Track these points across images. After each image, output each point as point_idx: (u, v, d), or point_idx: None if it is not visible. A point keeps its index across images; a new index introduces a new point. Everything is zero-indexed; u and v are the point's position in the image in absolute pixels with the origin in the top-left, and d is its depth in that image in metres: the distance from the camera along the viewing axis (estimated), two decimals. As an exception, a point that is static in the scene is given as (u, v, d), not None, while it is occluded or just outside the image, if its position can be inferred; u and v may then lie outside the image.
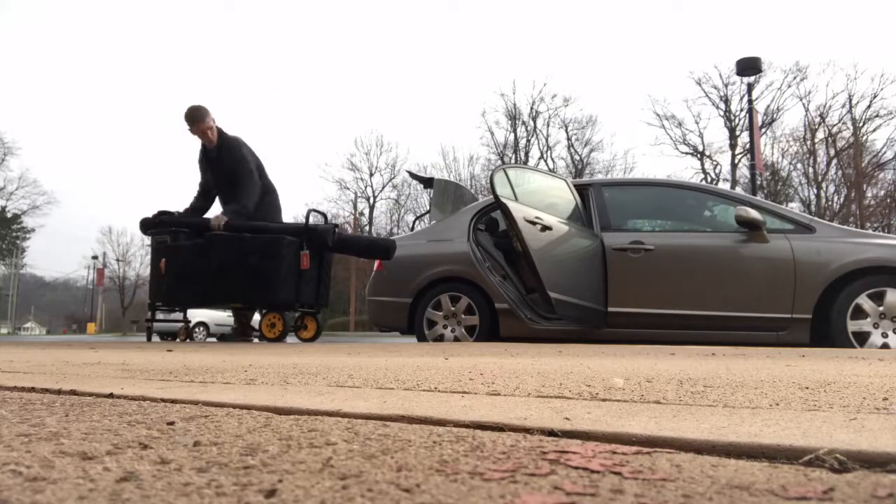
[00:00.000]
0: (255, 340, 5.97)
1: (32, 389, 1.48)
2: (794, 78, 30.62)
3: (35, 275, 66.47)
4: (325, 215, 6.08)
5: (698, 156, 33.09)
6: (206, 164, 5.75)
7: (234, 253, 5.22)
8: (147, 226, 5.71)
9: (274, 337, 5.86)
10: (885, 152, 29.81)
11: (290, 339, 6.13)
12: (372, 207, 39.19)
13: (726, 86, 31.59)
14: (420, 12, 78.15)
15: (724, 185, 30.50)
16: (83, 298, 58.53)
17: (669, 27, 63.26)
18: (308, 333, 5.84)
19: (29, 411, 1.10)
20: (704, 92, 32.23)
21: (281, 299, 5.34)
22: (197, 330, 16.76)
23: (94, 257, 54.12)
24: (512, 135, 36.46)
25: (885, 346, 4.08)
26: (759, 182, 20.57)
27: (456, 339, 5.10)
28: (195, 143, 5.71)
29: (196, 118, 5.49)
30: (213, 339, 16.72)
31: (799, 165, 32.70)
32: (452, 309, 5.15)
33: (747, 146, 25.12)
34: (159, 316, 5.96)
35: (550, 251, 4.61)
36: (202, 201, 5.90)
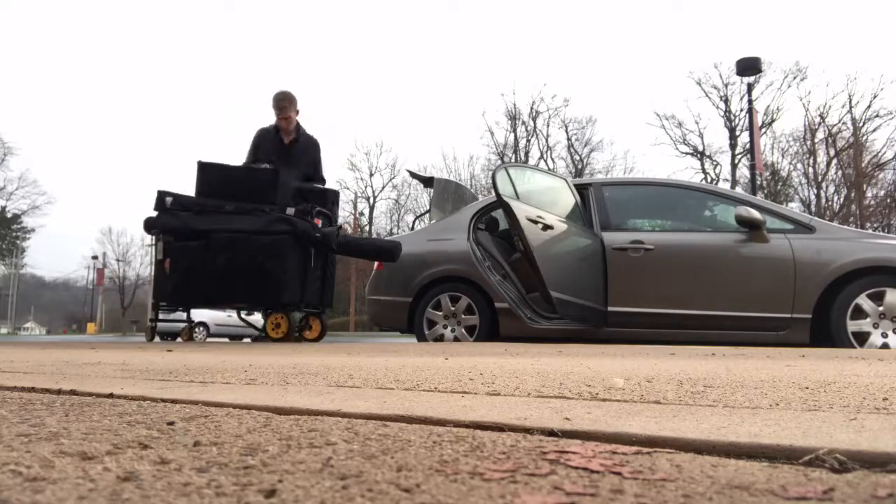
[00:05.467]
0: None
1: (32, 389, 1.48)
2: (794, 78, 30.65)
3: (35, 275, 66.53)
4: (329, 216, 6.04)
5: (698, 156, 33.09)
6: (272, 147, 5.71)
7: (240, 252, 5.22)
8: (151, 225, 5.68)
9: (279, 337, 5.85)
10: (885, 152, 29.82)
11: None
12: (372, 208, 39.20)
13: (726, 86, 31.61)
14: (420, 12, 78.15)
15: (724, 185, 30.49)
16: (83, 298, 58.55)
17: (669, 27, 63.27)
18: (313, 334, 5.83)
19: (29, 411, 1.10)
20: (704, 92, 32.25)
21: (286, 299, 5.34)
22: (197, 330, 16.77)
23: (94, 257, 54.20)
24: (512, 135, 36.50)
25: (885, 346, 4.08)
26: (759, 182, 20.56)
27: (456, 339, 5.10)
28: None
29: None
30: (226, 340, 16.72)
31: (799, 165, 32.73)
32: (452, 309, 5.15)
33: (747, 146, 25.12)
34: (160, 316, 5.95)
35: (552, 250, 4.61)
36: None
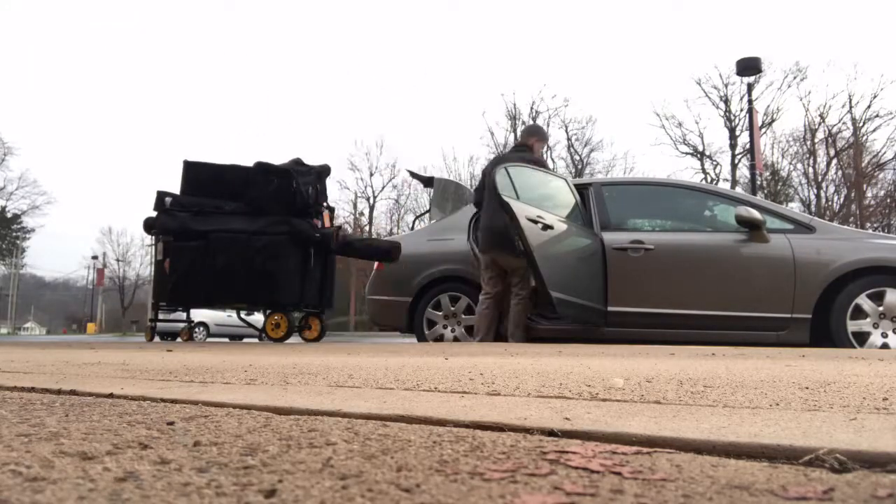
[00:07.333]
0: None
1: (32, 389, 1.48)
2: (794, 78, 30.58)
3: (35, 275, 66.62)
4: (332, 210, 6.03)
5: (698, 156, 33.06)
6: None
7: (239, 253, 5.22)
8: (150, 225, 5.68)
9: (278, 337, 5.86)
10: (885, 152, 29.76)
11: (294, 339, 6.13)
12: (372, 207, 39.18)
13: (726, 86, 31.52)
14: (420, 12, 78.16)
15: (724, 185, 30.47)
16: (83, 298, 58.57)
17: (669, 27, 63.20)
18: (312, 334, 5.84)
19: (29, 411, 1.10)
20: (704, 92, 32.17)
21: (285, 299, 5.34)
22: (197, 330, 16.77)
23: (94, 257, 54.19)
24: (512, 135, 36.43)
25: (885, 346, 4.08)
26: (759, 182, 20.54)
27: (456, 339, 5.10)
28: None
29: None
30: (225, 340, 16.71)
31: (799, 165, 32.68)
32: (452, 309, 5.15)
33: (747, 146, 25.11)
34: (160, 316, 5.96)
35: (552, 250, 4.61)
36: None
